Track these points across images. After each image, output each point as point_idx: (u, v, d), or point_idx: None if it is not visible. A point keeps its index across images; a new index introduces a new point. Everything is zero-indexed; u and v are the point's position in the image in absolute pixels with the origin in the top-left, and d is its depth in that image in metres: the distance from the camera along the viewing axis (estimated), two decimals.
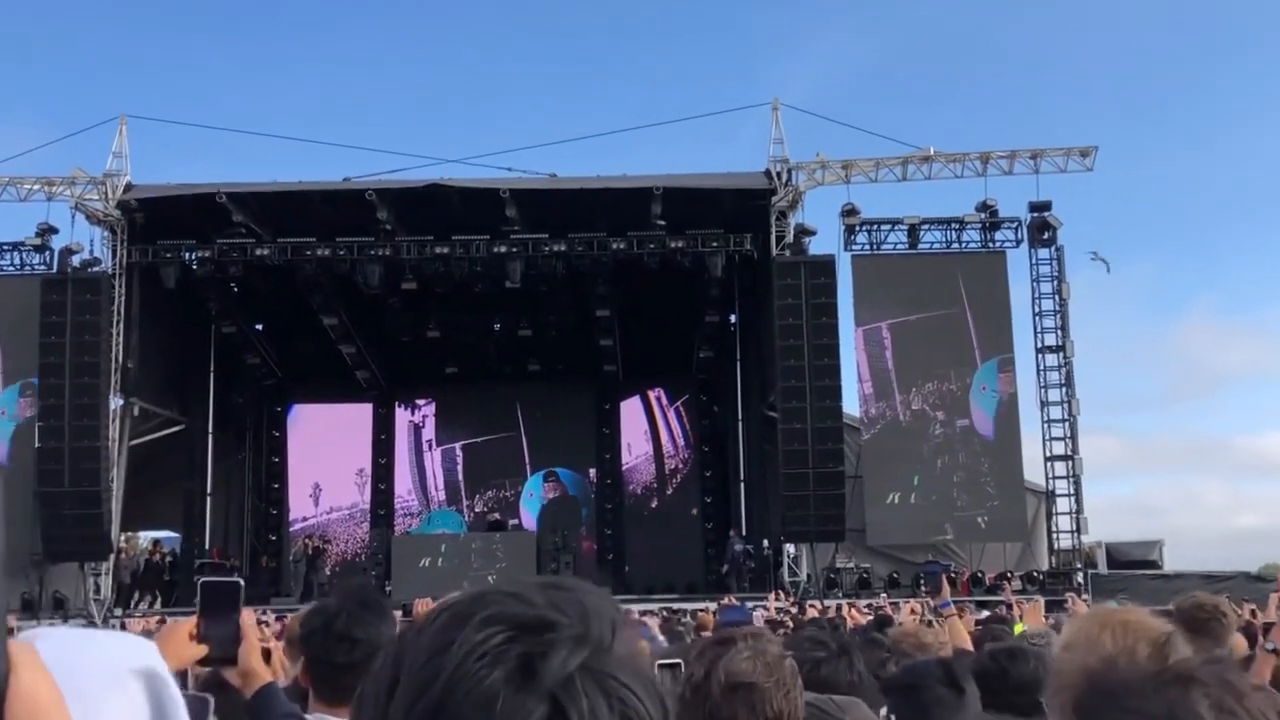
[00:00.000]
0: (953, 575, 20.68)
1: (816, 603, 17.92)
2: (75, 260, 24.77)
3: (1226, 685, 1.24)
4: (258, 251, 24.91)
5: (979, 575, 23.59)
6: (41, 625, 1.21)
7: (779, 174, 25.02)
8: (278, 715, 2.94)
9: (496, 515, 29.48)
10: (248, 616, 2.98)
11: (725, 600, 16.58)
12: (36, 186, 25.23)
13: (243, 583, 3.11)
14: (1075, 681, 1.90)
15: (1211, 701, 1.21)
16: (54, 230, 25.22)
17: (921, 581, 21.43)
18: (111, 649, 0.97)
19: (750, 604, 17.31)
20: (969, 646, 5.46)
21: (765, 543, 26.14)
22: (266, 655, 3.28)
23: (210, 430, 28.93)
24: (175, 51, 51.49)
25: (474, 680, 0.79)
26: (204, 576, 3.31)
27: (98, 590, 24.51)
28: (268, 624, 11.66)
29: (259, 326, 29.73)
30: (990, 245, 25.51)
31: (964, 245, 25.57)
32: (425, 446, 31.95)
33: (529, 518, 30.59)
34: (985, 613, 14.78)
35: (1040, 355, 25.40)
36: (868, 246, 25.35)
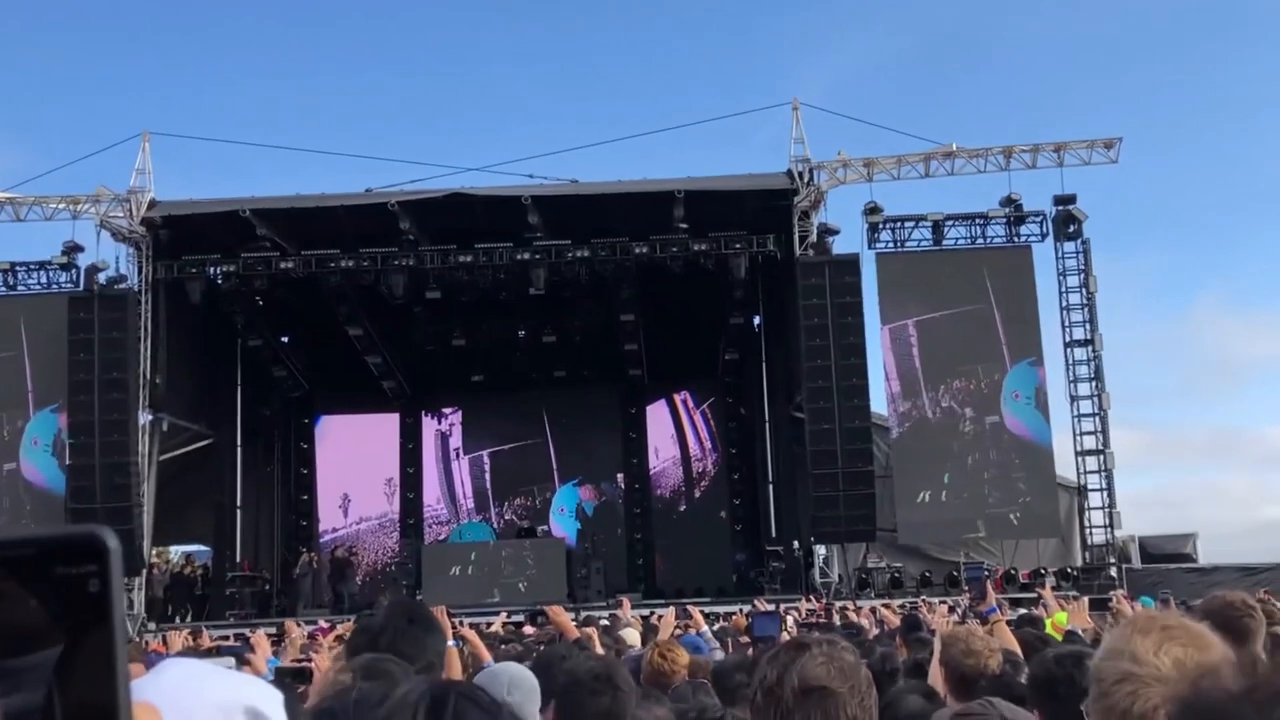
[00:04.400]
0: (986, 573, 20.50)
1: (850, 604, 17.77)
2: (101, 278, 24.91)
3: None
4: (282, 265, 24.99)
5: (1013, 573, 23.40)
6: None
7: (801, 174, 24.91)
8: None
9: (526, 523, 29.44)
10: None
11: (758, 603, 16.41)
12: (61, 205, 25.34)
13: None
14: (1153, 702, 1.86)
15: None
16: (80, 248, 25.32)
17: (965, 586, 21.35)
18: (230, 687, 1.04)
19: (781, 605, 17.19)
20: (1018, 651, 5.33)
21: (795, 544, 26.03)
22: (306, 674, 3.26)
23: (239, 443, 29.06)
24: (193, 66, 51.63)
25: None
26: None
27: (131, 605, 24.58)
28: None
29: (285, 339, 29.85)
30: (1015, 240, 25.35)
31: (989, 240, 25.42)
32: (453, 455, 31.98)
33: (557, 526, 30.55)
34: (1020, 611, 14.59)
35: (1069, 349, 25.20)
36: (892, 244, 25.25)
